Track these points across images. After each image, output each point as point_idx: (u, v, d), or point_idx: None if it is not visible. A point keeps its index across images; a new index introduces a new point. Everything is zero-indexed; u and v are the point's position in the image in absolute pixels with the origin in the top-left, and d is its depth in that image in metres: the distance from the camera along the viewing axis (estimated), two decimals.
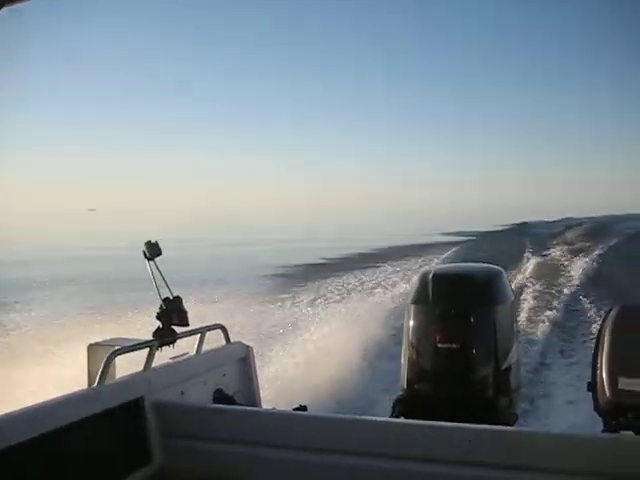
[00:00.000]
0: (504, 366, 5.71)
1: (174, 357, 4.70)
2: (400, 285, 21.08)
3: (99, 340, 4.42)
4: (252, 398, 5.38)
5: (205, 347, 5.02)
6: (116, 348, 4.09)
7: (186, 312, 4.43)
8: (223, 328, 5.27)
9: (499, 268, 6.57)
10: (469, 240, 49.17)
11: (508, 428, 4.49)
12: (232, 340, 5.37)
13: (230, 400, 4.91)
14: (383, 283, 22.91)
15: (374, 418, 4.42)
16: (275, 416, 4.41)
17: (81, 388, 4.07)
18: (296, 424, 4.15)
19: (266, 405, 5.50)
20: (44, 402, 3.60)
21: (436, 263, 27.97)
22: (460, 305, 5.75)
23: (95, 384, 3.91)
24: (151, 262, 4.41)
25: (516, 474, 3.54)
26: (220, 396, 4.92)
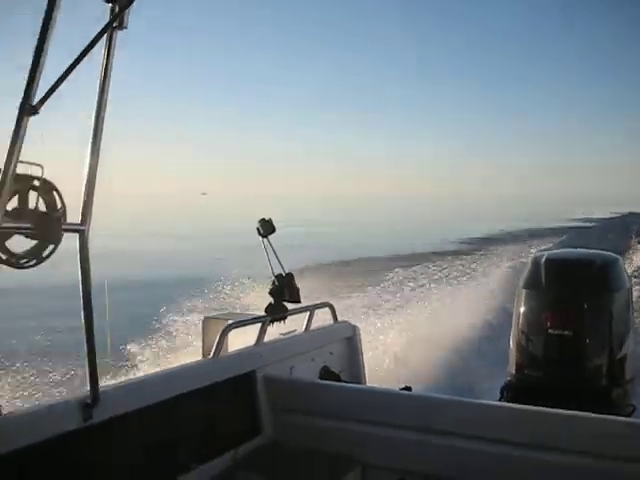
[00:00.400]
0: (619, 355, 5.46)
1: (284, 333, 4.77)
2: (508, 269, 20.42)
3: (214, 314, 4.55)
4: (357, 376, 5.38)
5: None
6: (230, 322, 4.17)
7: (298, 289, 4.46)
8: (331, 306, 5.29)
9: (615, 255, 6.30)
10: (579, 227, 47.20)
11: (627, 419, 4.29)
12: (339, 319, 5.41)
13: (336, 377, 4.92)
14: (494, 266, 22.13)
15: (482, 401, 4.32)
16: (381, 394, 4.39)
17: (196, 359, 4.23)
18: (401, 403, 4.11)
19: (371, 384, 5.51)
20: (163, 371, 3.75)
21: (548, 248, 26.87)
22: (574, 291, 5.54)
23: (210, 356, 4.04)
24: (265, 239, 4.49)
25: (636, 467, 3.38)
26: (327, 373, 4.95)
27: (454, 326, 11.36)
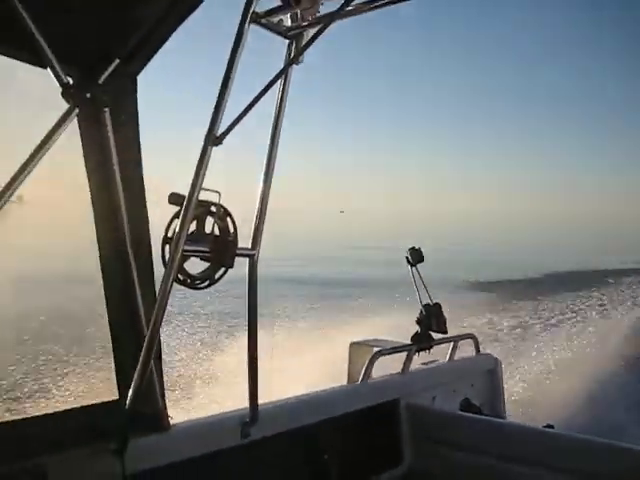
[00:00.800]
0: None
1: (426, 362, 4.74)
2: None
3: (361, 340, 4.59)
4: (498, 410, 5.23)
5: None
6: (379, 349, 4.18)
7: (445, 319, 4.42)
8: (474, 338, 5.22)
9: None
10: None
11: None
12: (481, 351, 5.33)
13: (477, 410, 4.81)
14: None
15: (633, 446, 4.06)
16: (522, 431, 4.21)
17: (341, 384, 4.27)
18: (544, 442, 3.90)
19: (511, 419, 5.36)
20: (314, 393, 3.80)
21: None
22: None
23: (358, 382, 4.06)
24: (413, 268, 4.50)
25: None
26: (467, 405, 4.85)
27: (603, 359, 10.77)
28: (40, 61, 2.34)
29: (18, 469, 2.26)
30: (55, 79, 2.38)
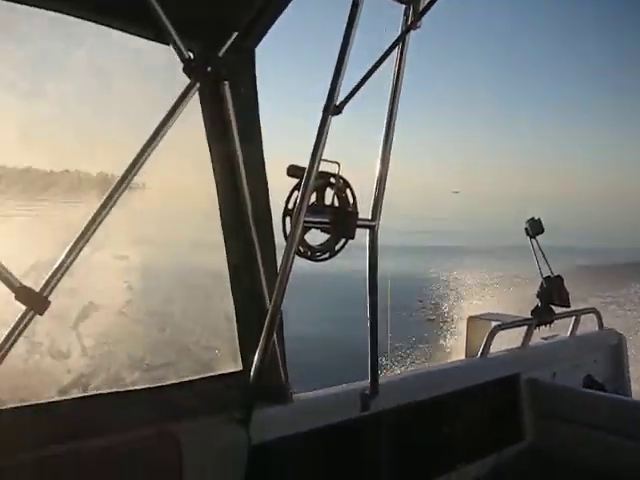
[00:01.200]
0: None
1: (546, 337, 4.58)
2: None
3: (479, 314, 4.48)
4: (623, 388, 4.99)
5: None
6: (497, 324, 4.06)
7: (567, 293, 4.24)
8: (597, 312, 4.98)
9: None
10: None
11: None
12: (605, 326, 5.09)
13: (600, 387, 4.60)
14: None
15: None
16: None
17: (459, 359, 4.18)
18: None
19: (637, 397, 5.12)
20: (433, 367, 3.75)
21: None
22: None
23: (478, 356, 3.96)
24: (533, 240, 4.33)
25: None
26: (590, 382, 4.65)
27: None
28: (162, 37, 2.35)
29: (152, 434, 2.32)
30: (177, 54, 2.39)
